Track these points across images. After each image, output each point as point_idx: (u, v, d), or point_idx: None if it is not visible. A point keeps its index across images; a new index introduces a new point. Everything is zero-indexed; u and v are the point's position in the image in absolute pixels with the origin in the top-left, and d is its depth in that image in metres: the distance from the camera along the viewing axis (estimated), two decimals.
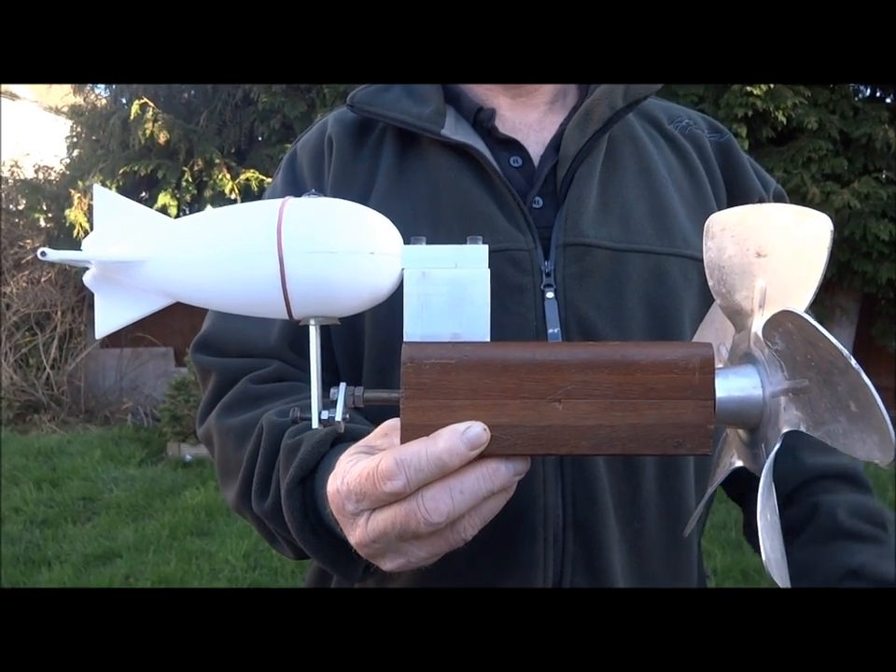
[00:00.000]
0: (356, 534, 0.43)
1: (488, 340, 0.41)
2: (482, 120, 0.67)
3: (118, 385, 5.26)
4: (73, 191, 4.42)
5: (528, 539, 0.58)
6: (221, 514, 3.35)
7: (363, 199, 0.64)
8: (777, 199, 0.74)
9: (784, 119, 4.08)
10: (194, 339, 0.69)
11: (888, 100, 4.51)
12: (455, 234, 0.62)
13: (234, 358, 0.66)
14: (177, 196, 4.44)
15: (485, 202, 0.63)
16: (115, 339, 5.20)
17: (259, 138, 4.73)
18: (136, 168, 4.37)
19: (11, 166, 5.42)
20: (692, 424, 0.41)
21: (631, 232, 0.63)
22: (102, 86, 4.92)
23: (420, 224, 0.63)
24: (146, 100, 4.36)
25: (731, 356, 0.46)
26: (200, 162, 4.39)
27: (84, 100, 4.90)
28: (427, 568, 0.45)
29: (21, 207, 5.21)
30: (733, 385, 0.42)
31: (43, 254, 0.37)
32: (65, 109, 5.08)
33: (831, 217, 0.43)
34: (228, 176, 4.42)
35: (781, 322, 0.38)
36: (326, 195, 0.41)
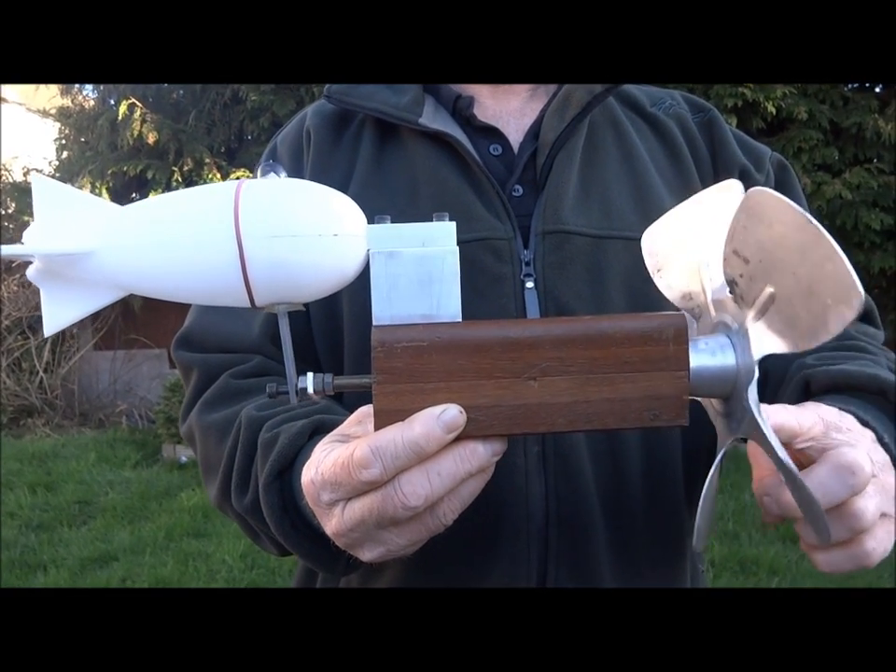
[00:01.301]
0: (332, 524, 0.42)
1: (460, 319, 0.41)
2: (460, 108, 0.66)
3: (112, 387, 5.24)
4: None
5: (511, 535, 0.57)
6: (217, 515, 3.34)
7: (342, 190, 0.63)
8: (780, 169, 0.72)
9: (773, 110, 4.08)
10: (176, 335, 0.68)
11: (877, 89, 4.51)
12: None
13: (215, 354, 0.65)
14: None
15: (464, 190, 0.62)
16: (108, 341, 5.18)
17: (249, 137, 4.71)
18: (126, 169, 4.35)
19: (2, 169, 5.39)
20: (667, 395, 0.40)
21: (612, 219, 0.62)
22: (89, 87, 4.90)
23: (398, 214, 0.62)
24: (133, 100, 4.33)
25: (700, 326, 0.47)
26: (189, 162, 4.37)
27: (72, 101, 4.88)
28: (410, 565, 0.44)
29: (10, 210, 5.18)
30: (705, 355, 0.42)
31: None
32: (53, 111, 5.05)
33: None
34: (218, 176, 4.39)
35: (750, 210, 0.37)
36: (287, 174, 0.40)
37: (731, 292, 0.41)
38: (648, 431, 0.61)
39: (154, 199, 0.39)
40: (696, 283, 0.47)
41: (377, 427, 0.39)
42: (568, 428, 0.40)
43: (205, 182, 4.31)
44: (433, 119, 0.64)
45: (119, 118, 4.32)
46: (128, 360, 5.25)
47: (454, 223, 0.40)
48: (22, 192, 5.02)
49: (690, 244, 0.49)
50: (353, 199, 0.66)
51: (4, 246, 0.36)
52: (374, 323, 0.40)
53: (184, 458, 4.14)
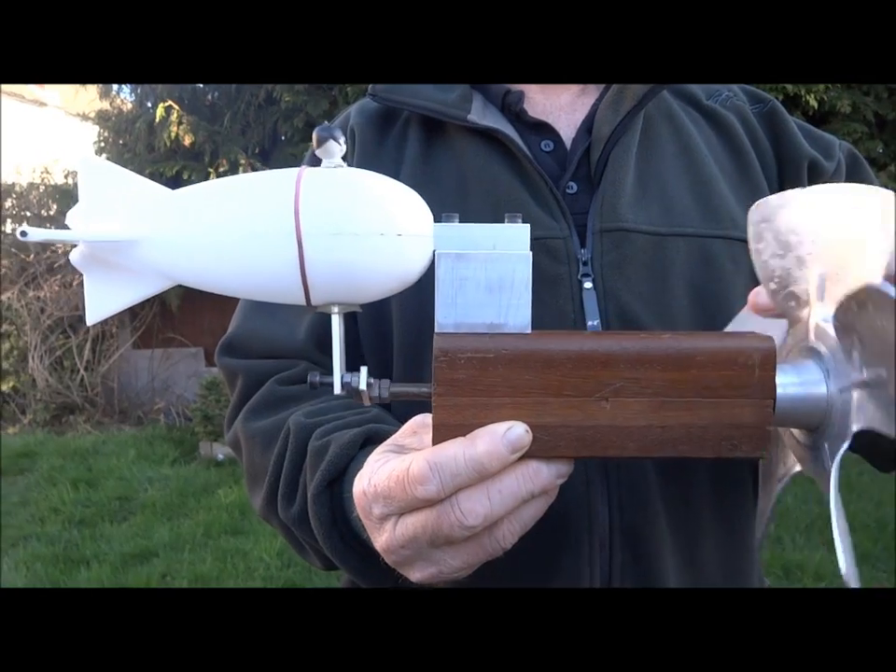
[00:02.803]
0: (382, 539, 0.41)
1: (529, 331, 0.38)
2: (510, 104, 0.64)
3: (150, 385, 5.33)
4: None
5: (573, 546, 0.54)
6: (254, 513, 3.36)
7: None
8: (850, 158, 0.69)
9: (815, 104, 3.96)
10: (220, 341, 0.67)
11: None
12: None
13: (260, 360, 0.63)
14: None
15: (516, 188, 0.60)
16: (146, 340, 5.26)
17: (283, 137, 4.74)
18: (162, 170, 4.41)
19: (41, 173, 5.51)
20: (749, 425, 0.38)
21: (673, 215, 0.60)
22: (127, 90, 4.98)
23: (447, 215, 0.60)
24: (170, 103, 4.39)
25: (784, 351, 0.43)
26: (224, 163, 4.42)
27: (110, 105, 4.96)
28: (464, 579, 0.42)
29: (52, 213, 5.29)
30: (792, 382, 0.38)
31: (23, 234, 0.34)
32: (92, 115, 5.14)
33: None
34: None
35: (861, 300, 0.34)
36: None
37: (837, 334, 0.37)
38: None
39: (209, 184, 0.37)
40: (805, 288, 0.41)
41: (435, 441, 0.37)
42: (639, 454, 0.38)
43: None
44: (482, 115, 0.62)
45: (157, 120, 4.38)
46: (165, 359, 5.32)
47: (527, 226, 0.38)
48: (64, 195, 5.13)
49: (822, 241, 0.41)
50: None
51: (48, 231, 0.34)
52: (437, 330, 0.38)
53: (221, 456, 4.19)
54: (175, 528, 3.26)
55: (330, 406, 0.58)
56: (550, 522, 0.53)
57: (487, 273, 0.37)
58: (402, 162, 0.64)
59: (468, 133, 0.62)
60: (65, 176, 5.48)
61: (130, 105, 4.94)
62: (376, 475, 0.40)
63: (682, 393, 0.38)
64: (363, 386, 0.39)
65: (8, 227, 5.51)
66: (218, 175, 4.44)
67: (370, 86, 0.66)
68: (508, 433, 0.36)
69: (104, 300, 0.37)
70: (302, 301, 0.36)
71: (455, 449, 0.36)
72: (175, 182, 4.62)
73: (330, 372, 0.65)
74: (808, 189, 0.42)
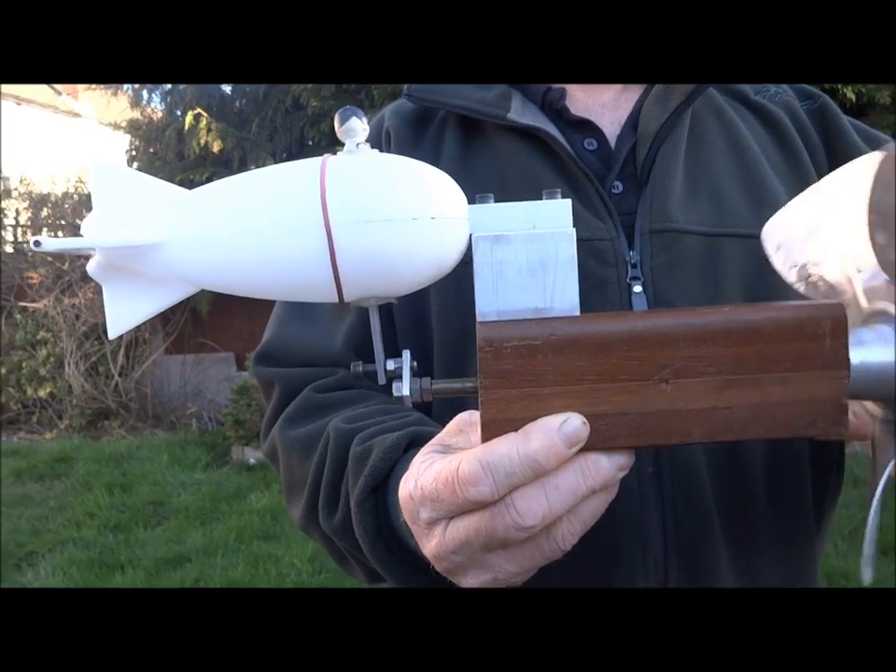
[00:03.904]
0: (431, 545, 0.38)
1: (578, 313, 0.35)
2: (551, 101, 0.61)
3: (182, 390, 5.39)
4: None
5: (626, 565, 0.51)
6: (286, 518, 3.36)
7: None
8: None
9: (853, 97, 3.85)
10: (255, 351, 0.65)
11: None
12: None
13: (297, 368, 0.62)
14: None
15: (559, 188, 0.57)
16: (178, 345, 5.32)
17: (310, 143, 4.76)
18: (192, 177, 4.46)
19: (75, 182, 5.62)
20: (824, 399, 0.34)
21: (725, 215, 0.57)
22: (157, 99, 5.04)
23: None
24: (199, 110, 4.44)
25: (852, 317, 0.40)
26: (253, 168, 4.45)
27: (141, 114, 5.03)
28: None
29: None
30: (867, 350, 0.35)
31: (37, 244, 0.31)
32: (123, 124, 5.23)
33: None
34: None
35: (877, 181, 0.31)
36: None
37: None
38: (773, 443, 0.53)
39: (227, 181, 0.35)
40: (838, 273, 0.40)
41: (484, 439, 0.34)
42: (706, 439, 0.35)
43: None
44: (522, 113, 0.59)
45: (186, 128, 4.43)
46: (197, 364, 5.38)
47: (568, 201, 0.35)
48: None
49: (825, 230, 0.42)
50: None
51: (62, 240, 0.32)
52: (479, 319, 0.35)
53: (252, 460, 4.21)
54: (208, 533, 3.28)
55: (370, 411, 0.56)
56: (600, 540, 0.50)
57: (528, 254, 0.34)
58: (439, 164, 0.61)
59: (507, 132, 0.60)
60: None
61: (160, 114, 5.01)
62: (423, 477, 0.37)
63: (748, 369, 0.34)
64: (405, 391, 0.35)
65: (45, 236, 5.62)
66: None
67: (405, 86, 0.63)
68: (564, 426, 0.34)
69: (125, 310, 0.35)
70: (334, 297, 0.33)
71: (508, 446, 0.34)
72: None
73: (371, 378, 0.63)
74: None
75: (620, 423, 0.34)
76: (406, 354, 0.36)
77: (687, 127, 0.59)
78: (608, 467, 0.34)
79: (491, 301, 0.34)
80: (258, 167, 4.49)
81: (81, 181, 5.62)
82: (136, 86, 4.90)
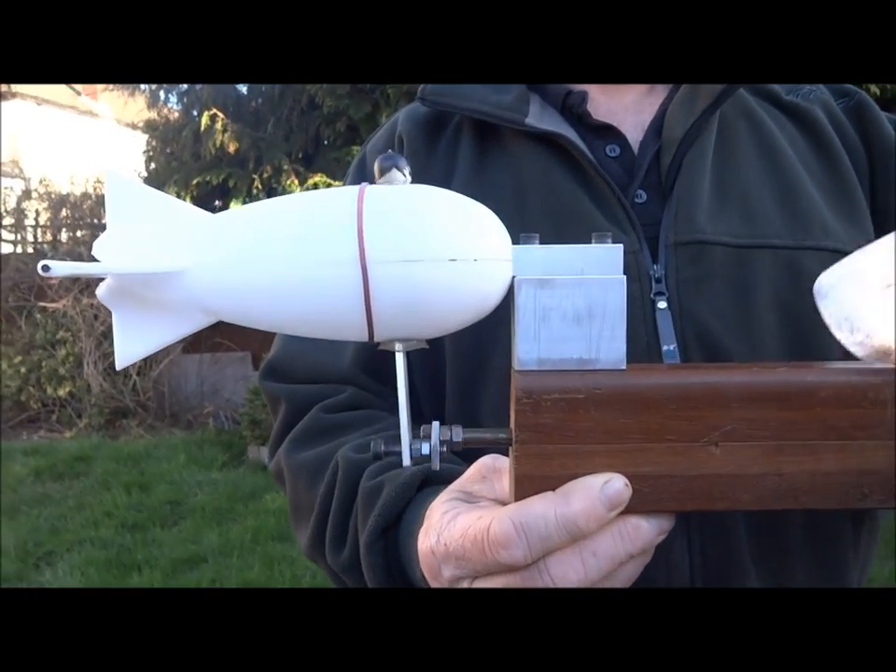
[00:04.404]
0: None
1: (624, 367, 0.33)
2: (571, 105, 0.58)
3: (199, 389, 5.41)
4: None
5: None
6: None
7: None
8: None
9: (878, 91, 3.78)
10: (262, 364, 0.63)
11: None
12: (545, 239, 0.54)
13: (304, 385, 0.59)
14: (248, 203, 4.52)
15: (579, 198, 0.54)
16: (195, 345, 5.34)
17: (325, 142, 4.75)
18: (208, 178, 4.46)
19: (94, 182, 5.66)
20: (881, 471, 0.33)
21: (756, 225, 0.54)
22: (174, 99, 5.06)
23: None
24: (215, 111, 4.45)
25: None
26: (269, 169, 4.45)
27: (158, 114, 5.05)
28: None
29: (104, 221, 5.43)
30: None
31: (45, 268, 0.29)
32: (141, 124, 5.25)
33: None
34: (296, 182, 4.45)
35: None
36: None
37: None
38: None
39: (255, 206, 0.33)
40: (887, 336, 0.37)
41: (517, 496, 0.32)
42: (754, 507, 0.33)
43: (284, 190, 4.37)
44: (541, 118, 0.56)
45: (202, 128, 4.44)
46: (213, 363, 5.40)
47: (620, 246, 0.33)
48: None
49: (877, 288, 0.39)
50: None
51: (73, 265, 0.30)
52: (518, 367, 0.33)
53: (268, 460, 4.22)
54: (224, 534, 3.28)
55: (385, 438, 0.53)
56: None
57: (574, 301, 0.32)
58: (454, 171, 0.59)
59: (525, 138, 0.57)
60: None
61: (177, 115, 5.02)
62: (447, 532, 0.35)
63: (803, 435, 0.32)
64: (435, 467, 0.33)
65: (64, 236, 5.67)
66: (262, 182, 4.48)
67: (419, 88, 0.61)
68: (605, 487, 0.32)
69: (136, 339, 0.33)
70: (364, 337, 0.31)
71: (545, 507, 0.32)
72: (221, 189, 4.67)
73: (378, 396, 0.61)
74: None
75: (664, 486, 0.32)
76: (436, 427, 0.34)
77: (715, 131, 0.56)
78: (648, 531, 0.32)
79: (532, 349, 0.32)
80: (273, 167, 4.51)
81: (99, 181, 5.65)
82: (153, 86, 4.91)
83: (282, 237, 0.31)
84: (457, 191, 0.60)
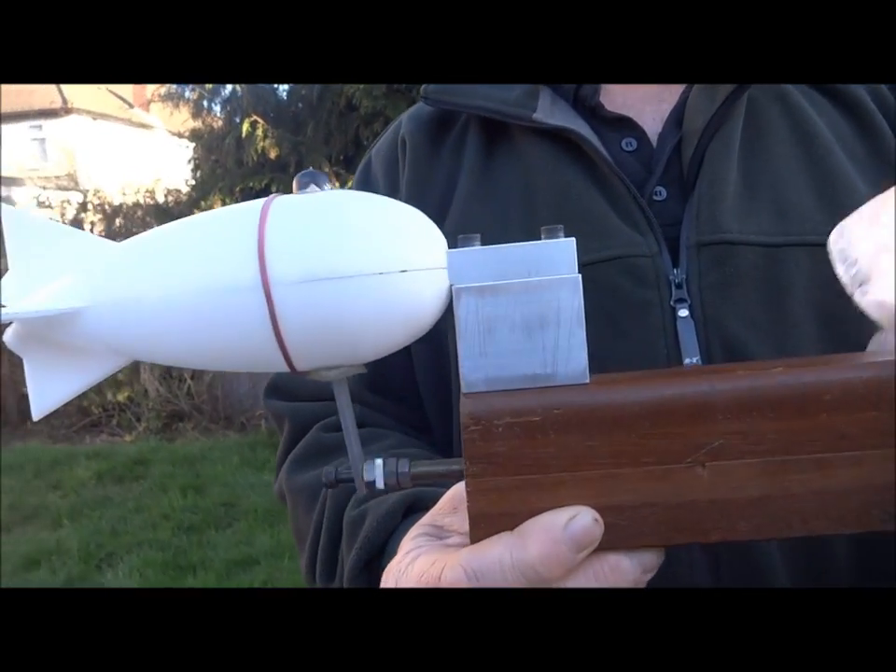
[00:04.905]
0: None
1: (587, 380, 0.28)
2: (583, 98, 0.54)
3: (251, 392, 5.51)
4: (196, 212, 4.67)
5: None
6: None
7: (443, 206, 0.54)
8: None
9: None
10: (266, 383, 0.61)
11: None
12: None
13: (307, 403, 0.57)
14: None
15: (592, 197, 0.50)
16: None
17: (364, 143, 4.76)
18: (251, 184, 4.53)
19: (145, 193, 5.83)
20: None
21: (790, 220, 0.48)
22: (217, 108, 5.15)
23: (512, 231, 0.51)
24: (255, 118, 4.51)
25: None
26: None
27: (202, 123, 5.15)
28: None
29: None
30: None
31: None
32: (186, 133, 5.38)
33: None
34: (337, 184, 4.47)
35: None
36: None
37: None
38: None
39: (160, 231, 0.30)
40: None
41: (473, 538, 0.28)
42: (755, 536, 0.28)
43: None
44: (550, 112, 0.52)
45: (243, 135, 4.51)
46: None
47: (572, 239, 0.28)
48: (163, 214, 5.39)
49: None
50: (456, 216, 0.54)
51: None
52: (464, 389, 0.29)
53: None
54: (276, 535, 3.33)
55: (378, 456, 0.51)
56: None
57: (523, 308, 0.28)
58: (459, 173, 0.56)
59: (534, 134, 0.53)
60: (165, 196, 5.77)
61: (220, 123, 5.12)
62: (404, 576, 0.32)
63: (809, 447, 0.27)
64: (380, 484, 0.30)
65: None
66: None
67: (422, 88, 0.57)
68: (570, 525, 0.27)
69: (49, 387, 0.31)
70: (284, 368, 0.28)
71: (500, 551, 0.28)
72: (264, 193, 4.74)
73: (383, 413, 0.58)
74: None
75: (644, 517, 0.28)
76: (378, 464, 0.30)
77: (742, 117, 0.51)
78: (629, 571, 0.28)
79: (478, 367, 0.28)
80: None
81: (150, 191, 5.82)
82: (196, 96, 5.02)
83: (180, 265, 0.27)
84: (461, 195, 0.57)
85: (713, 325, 0.46)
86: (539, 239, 0.29)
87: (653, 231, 0.48)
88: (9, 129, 14.57)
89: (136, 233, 0.30)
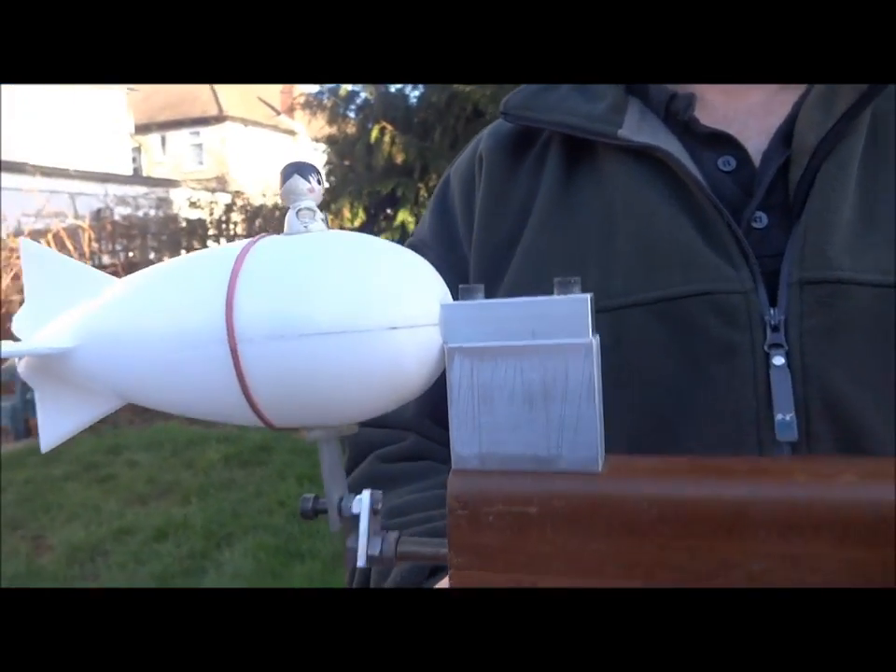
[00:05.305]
0: None
1: (598, 468, 0.24)
2: (676, 111, 0.49)
3: None
4: (328, 214, 4.86)
5: None
6: None
7: (515, 233, 0.51)
8: None
9: None
10: None
11: None
12: (634, 273, 0.45)
13: (367, 429, 0.56)
14: (415, 212, 4.64)
15: (678, 223, 0.45)
16: None
17: None
18: (379, 188, 4.66)
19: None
20: None
21: None
22: (352, 113, 5.34)
23: (588, 261, 0.47)
24: (384, 124, 4.63)
25: None
26: (434, 178, 4.54)
27: (338, 129, 5.37)
28: None
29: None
30: None
31: None
32: (323, 139, 5.62)
33: None
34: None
35: None
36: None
37: None
38: None
39: (154, 270, 0.29)
40: None
41: None
42: None
43: None
44: (637, 128, 0.48)
45: (372, 141, 4.64)
46: None
47: (587, 297, 0.24)
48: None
49: None
50: (528, 244, 0.51)
51: None
52: (454, 465, 0.25)
53: None
54: None
55: (417, 501, 0.48)
56: None
57: (525, 375, 0.24)
58: (536, 193, 0.52)
59: (620, 152, 0.48)
60: None
61: (353, 129, 5.31)
62: None
63: (880, 580, 0.21)
64: (362, 562, 0.27)
65: None
66: (428, 190, 4.58)
67: (503, 102, 0.54)
68: None
69: (57, 420, 0.31)
70: (259, 423, 0.26)
71: None
72: (389, 199, 4.86)
73: (442, 444, 0.55)
74: None
75: None
76: (366, 495, 0.27)
77: (864, 136, 0.44)
78: None
79: (471, 441, 0.24)
80: (439, 176, 4.59)
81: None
82: (331, 103, 5.23)
83: (155, 311, 0.27)
84: (536, 221, 0.53)
85: (814, 377, 0.40)
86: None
87: (749, 264, 0.43)
88: (172, 135, 16.01)
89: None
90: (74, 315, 0.29)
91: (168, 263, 0.28)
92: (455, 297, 0.26)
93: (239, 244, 0.26)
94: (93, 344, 0.28)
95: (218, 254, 0.26)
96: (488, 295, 0.25)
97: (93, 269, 0.31)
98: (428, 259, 0.60)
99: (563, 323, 0.24)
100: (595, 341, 0.23)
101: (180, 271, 0.28)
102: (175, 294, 0.27)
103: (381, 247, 0.26)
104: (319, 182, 0.26)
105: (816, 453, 0.39)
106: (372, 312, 0.24)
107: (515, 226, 0.51)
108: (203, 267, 0.27)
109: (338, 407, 0.25)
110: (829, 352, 0.40)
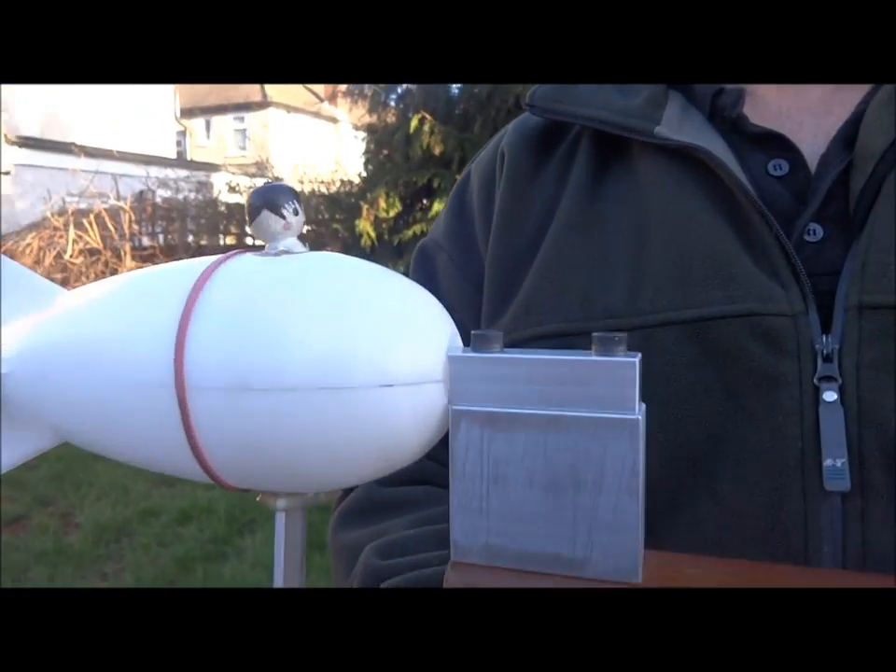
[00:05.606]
0: None
1: (639, 578, 0.19)
2: (723, 107, 0.44)
3: None
4: (363, 203, 4.84)
5: None
6: None
7: (536, 239, 0.46)
8: None
9: None
10: None
11: None
12: (666, 288, 0.39)
13: None
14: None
15: (720, 233, 0.40)
16: None
17: None
18: (415, 179, 4.63)
19: (320, 182, 6.19)
20: None
21: None
22: (393, 102, 5.31)
23: (616, 274, 0.42)
24: (424, 114, 4.60)
25: None
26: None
27: (378, 118, 5.35)
28: None
29: (325, 217, 5.91)
30: None
31: None
32: (363, 127, 5.61)
33: None
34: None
35: None
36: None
37: None
38: None
39: (102, 285, 0.24)
40: None
41: None
42: None
43: None
44: (678, 125, 0.43)
45: (411, 131, 4.61)
46: None
47: (637, 358, 0.19)
48: (332, 204, 5.67)
49: None
50: (549, 249, 0.47)
51: None
52: (453, 556, 0.20)
53: None
54: None
55: (417, 537, 0.44)
56: None
57: (550, 453, 0.19)
58: (562, 195, 0.47)
59: (656, 151, 0.43)
60: (338, 187, 6.09)
61: (393, 118, 5.28)
62: None
63: None
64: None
65: None
66: None
67: (528, 93, 0.49)
68: None
69: (8, 446, 0.26)
70: (211, 482, 0.21)
71: None
72: (426, 190, 4.83)
73: (446, 471, 0.51)
74: None
75: None
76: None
77: None
78: None
79: (475, 528, 0.19)
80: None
81: (322, 182, 6.16)
82: (371, 92, 5.22)
83: (96, 339, 0.21)
84: (560, 222, 0.48)
85: (870, 416, 0.35)
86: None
87: (799, 283, 0.37)
88: (217, 120, 16.23)
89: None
90: (8, 332, 0.25)
91: (129, 276, 0.23)
92: (467, 341, 0.20)
93: (207, 260, 0.21)
94: (24, 371, 0.23)
95: (182, 270, 0.21)
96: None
97: (42, 278, 0.26)
98: (440, 262, 0.55)
99: (603, 390, 0.18)
100: (642, 417, 0.18)
101: (138, 288, 0.23)
102: (124, 320, 0.21)
103: (376, 279, 0.20)
104: (297, 212, 0.21)
105: (870, 506, 0.34)
106: (360, 364, 0.18)
107: (536, 231, 0.46)
108: (162, 287, 0.22)
109: (311, 475, 0.20)
110: (890, 388, 0.35)
